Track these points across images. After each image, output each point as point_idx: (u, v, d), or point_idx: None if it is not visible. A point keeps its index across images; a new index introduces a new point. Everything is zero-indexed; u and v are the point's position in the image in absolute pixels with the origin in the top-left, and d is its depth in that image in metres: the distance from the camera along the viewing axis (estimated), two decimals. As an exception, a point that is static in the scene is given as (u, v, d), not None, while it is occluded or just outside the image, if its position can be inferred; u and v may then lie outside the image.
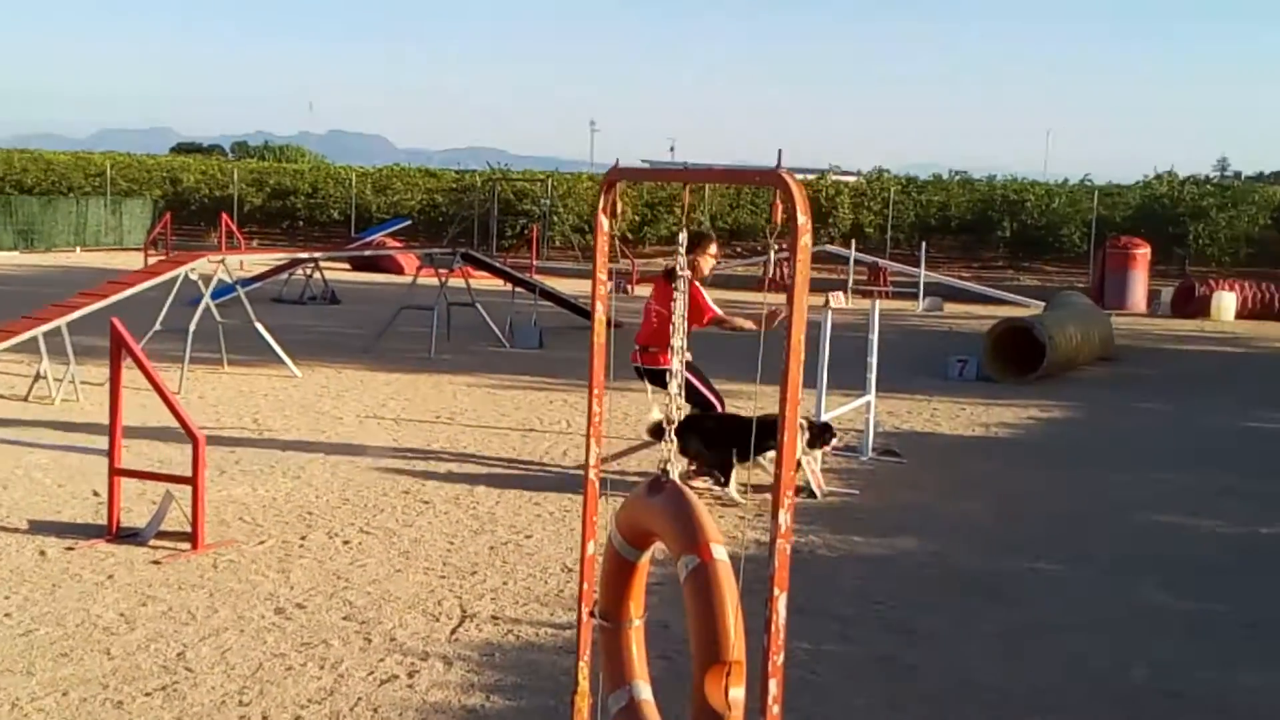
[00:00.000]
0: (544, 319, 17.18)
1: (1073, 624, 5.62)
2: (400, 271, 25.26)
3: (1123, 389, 13.18)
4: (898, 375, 13.38)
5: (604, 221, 3.83)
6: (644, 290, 25.62)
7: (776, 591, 3.04)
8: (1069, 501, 8.03)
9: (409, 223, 29.77)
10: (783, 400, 3.10)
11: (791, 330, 2.95)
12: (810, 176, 36.83)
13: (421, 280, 15.72)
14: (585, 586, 3.79)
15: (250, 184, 39.40)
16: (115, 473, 6.38)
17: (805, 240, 2.91)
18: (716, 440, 7.69)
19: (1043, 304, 19.68)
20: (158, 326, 11.62)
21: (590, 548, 3.80)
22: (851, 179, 36.72)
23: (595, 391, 4.13)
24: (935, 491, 8.19)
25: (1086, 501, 8.04)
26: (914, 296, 23.04)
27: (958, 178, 35.97)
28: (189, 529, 6.29)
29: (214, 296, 13.53)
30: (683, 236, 3.45)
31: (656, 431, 7.50)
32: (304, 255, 18.99)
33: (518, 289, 16.44)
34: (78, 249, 28.98)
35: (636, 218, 35.89)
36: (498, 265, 16.71)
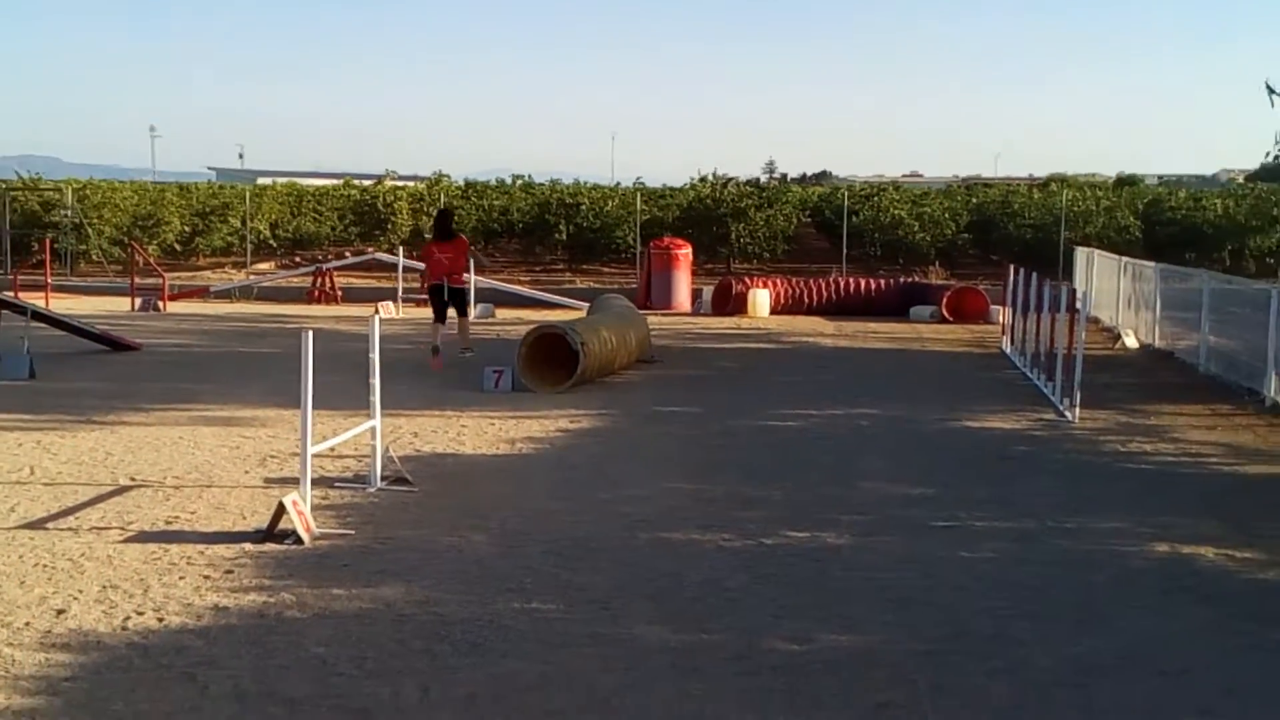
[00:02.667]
0: (49, 343, 15.27)
1: (550, 677, 5.08)
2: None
3: (655, 392, 13.13)
4: (432, 389, 12.74)
5: None
6: (178, 308, 23.75)
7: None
8: (578, 524, 7.58)
9: None
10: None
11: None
12: (367, 183, 35.73)
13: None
14: None
15: None
16: None
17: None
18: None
19: (590, 307, 19.66)
20: None
21: None
22: (409, 184, 35.93)
23: None
24: (440, 524, 7.52)
25: (596, 522, 7.63)
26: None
27: (520, 181, 35.95)
28: None
29: None
30: None
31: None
32: None
33: (4, 312, 14.45)
34: None
35: (186, 228, 33.48)
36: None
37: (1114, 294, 20.44)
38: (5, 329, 14.10)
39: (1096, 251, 24.15)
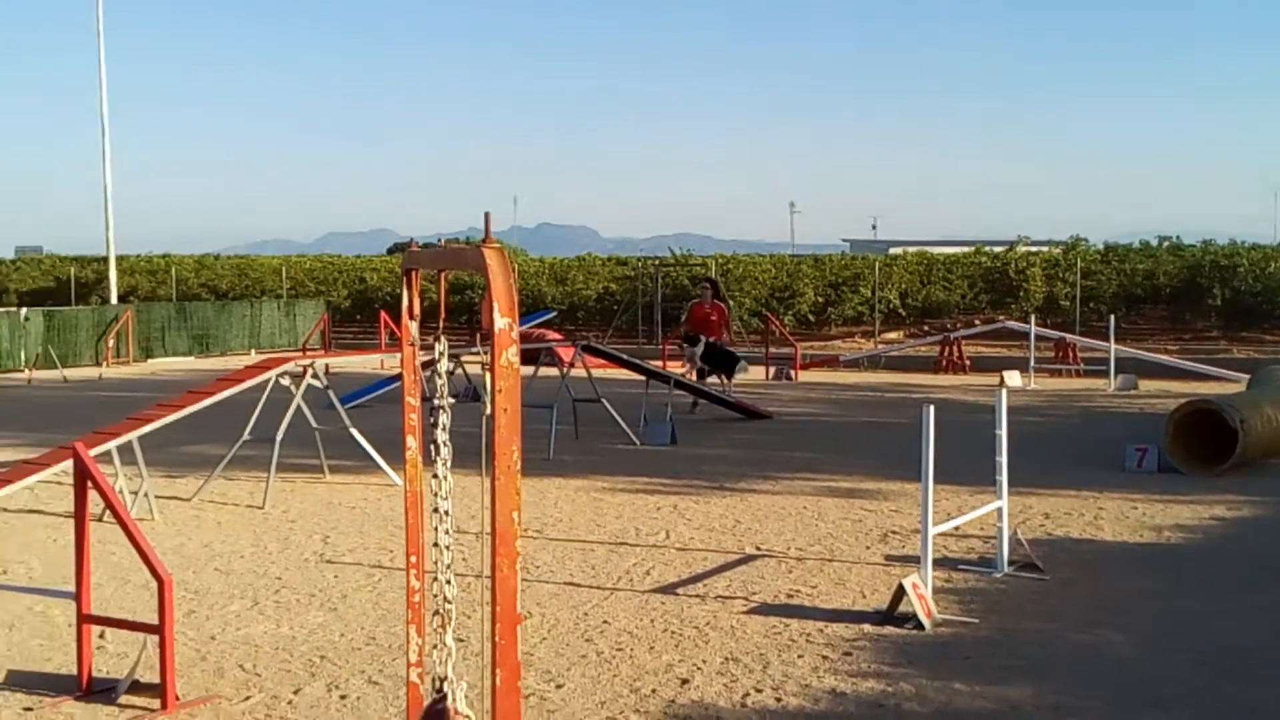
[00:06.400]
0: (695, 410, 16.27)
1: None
2: (563, 363, 24.74)
3: (1334, 479, 11.32)
4: (1068, 466, 11.89)
5: (409, 327, 2.88)
6: (809, 376, 24.43)
7: None
8: (1238, 632, 6.53)
9: (554, 315, 29.26)
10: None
11: (499, 462, 1.94)
12: (999, 249, 35.03)
13: (545, 373, 15.09)
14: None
15: (430, 280, 39.92)
16: (83, 620, 5.66)
17: (510, 356, 1.89)
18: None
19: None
20: (247, 435, 11.07)
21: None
22: (1042, 249, 34.73)
23: (412, 558, 3.16)
24: (1072, 618, 6.80)
25: (1260, 632, 6.53)
26: (1107, 374, 21.09)
27: (1166, 244, 33.52)
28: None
29: (346, 400, 13.25)
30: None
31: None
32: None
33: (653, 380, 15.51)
34: (252, 351, 29.48)
35: (819, 299, 34.68)
36: (620, 356, 15.84)
37: None
38: (651, 396, 15.09)
39: None
